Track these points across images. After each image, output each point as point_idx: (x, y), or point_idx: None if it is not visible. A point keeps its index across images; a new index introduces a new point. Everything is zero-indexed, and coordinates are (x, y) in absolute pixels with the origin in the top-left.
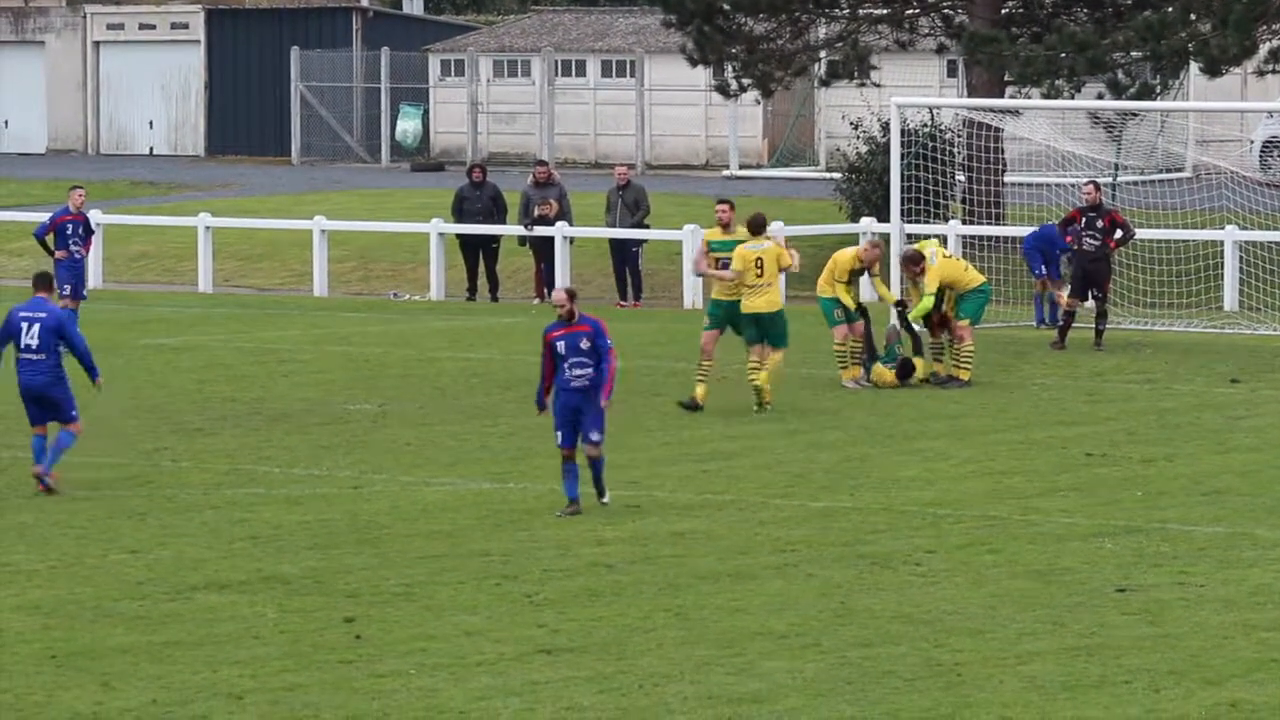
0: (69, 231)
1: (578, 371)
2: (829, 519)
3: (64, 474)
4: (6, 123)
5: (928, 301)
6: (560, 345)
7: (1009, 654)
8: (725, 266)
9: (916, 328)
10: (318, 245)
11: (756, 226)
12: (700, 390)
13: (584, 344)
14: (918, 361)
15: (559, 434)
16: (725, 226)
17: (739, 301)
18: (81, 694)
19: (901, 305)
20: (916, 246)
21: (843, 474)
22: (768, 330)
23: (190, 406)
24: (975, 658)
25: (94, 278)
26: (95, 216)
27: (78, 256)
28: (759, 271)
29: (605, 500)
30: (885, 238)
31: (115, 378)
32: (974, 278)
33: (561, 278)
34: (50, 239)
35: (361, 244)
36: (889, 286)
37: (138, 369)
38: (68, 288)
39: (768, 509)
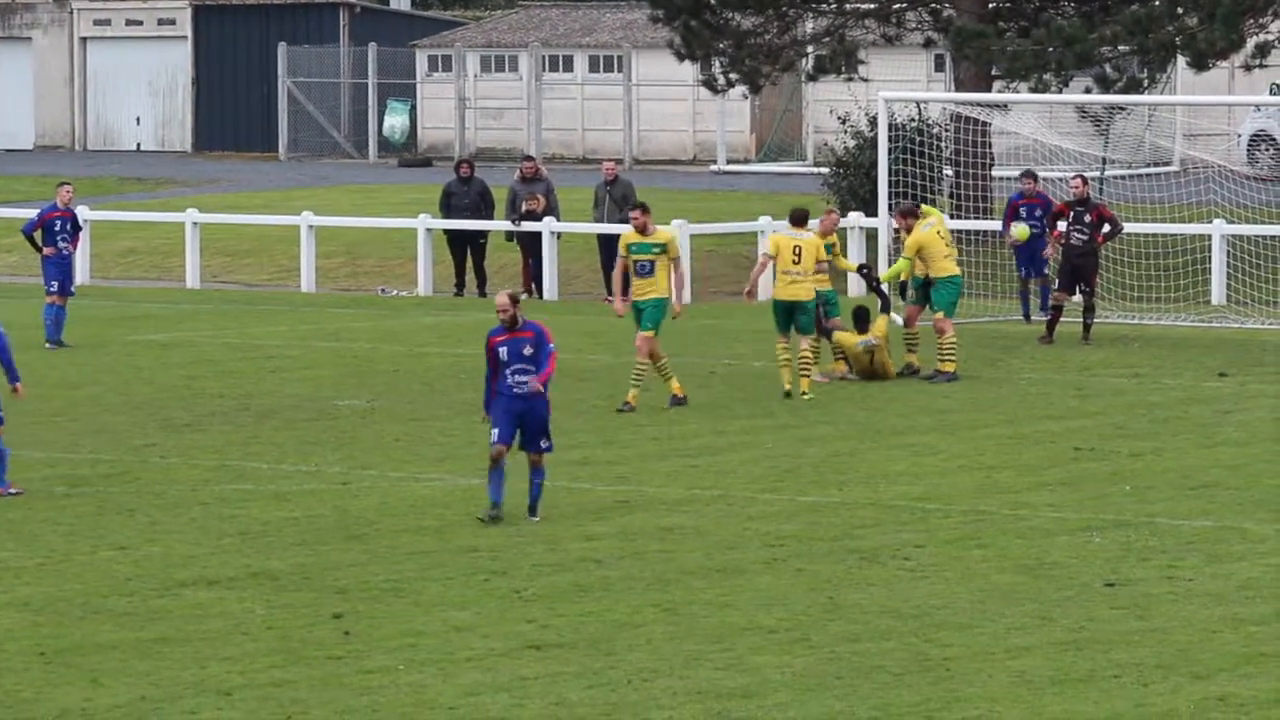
0: (57, 228)
1: (521, 378)
2: (817, 514)
3: (53, 471)
4: None
5: (902, 264)
6: (503, 351)
7: (998, 648)
8: (642, 269)
9: (885, 289)
10: (305, 241)
11: (799, 218)
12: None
13: (527, 350)
14: (880, 318)
15: (495, 430)
16: (641, 230)
17: (652, 300)
18: (70, 691)
19: (865, 269)
20: (922, 207)
21: (831, 469)
22: (799, 319)
23: (178, 402)
24: (964, 652)
25: (81, 274)
26: (82, 213)
27: (65, 253)
28: (796, 259)
29: (536, 519)
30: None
31: (103, 374)
32: (949, 266)
33: (549, 273)
34: (38, 235)
35: (349, 240)
36: (847, 257)
37: (125, 365)
38: (55, 284)
39: (756, 504)
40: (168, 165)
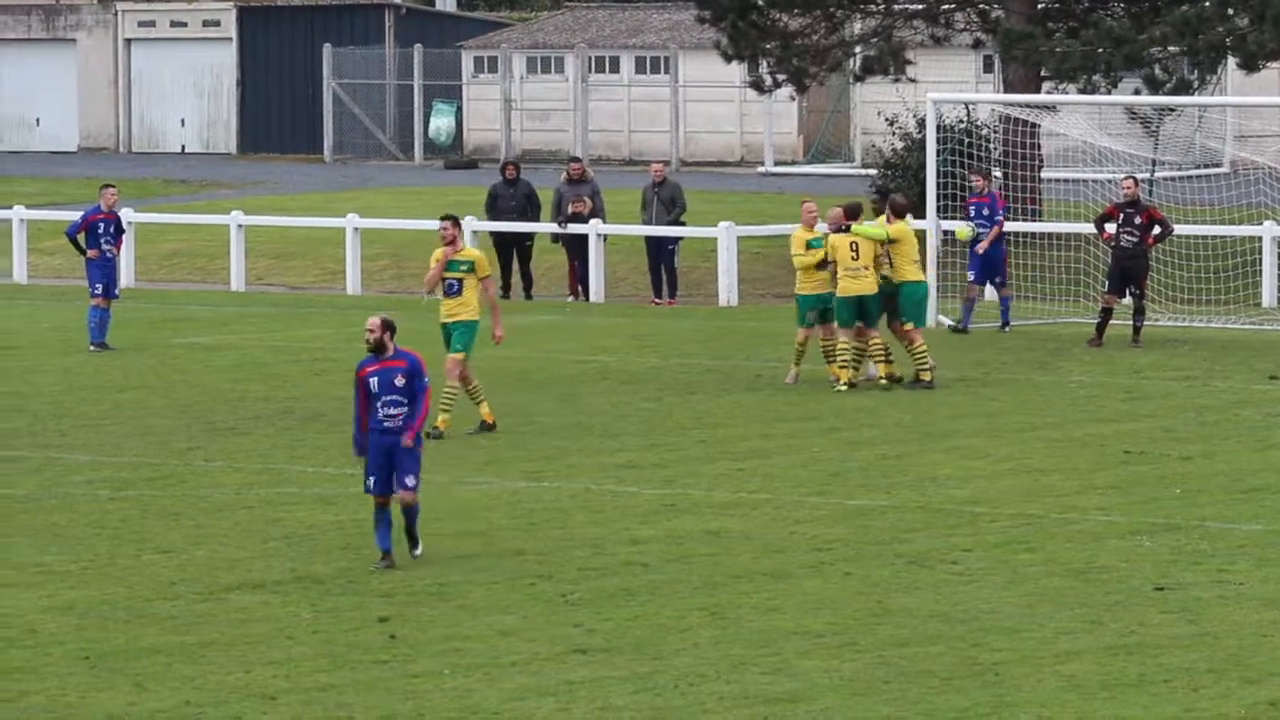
0: (100, 230)
1: (391, 411)
2: (865, 517)
3: (98, 474)
4: (38, 121)
5: (880, 230)
6: (373, 382)
7: (1047, 653)
8: (450, 288)
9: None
10: (351, 243)
11: (853, 213)
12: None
13: (398, 381)
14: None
15: (369, 480)
16: (451, 244)
17: (462, 322)
18: (115, 695)
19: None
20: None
21: (879, 472)
22: (868, 312)
23: (223, 406)
24: (1013, 657)
25: (126, 276)
26: (126, 215)
27: (109, 255)
28: (854, 254)
29: (417, 553)
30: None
31: (147, 377)
32: (914, 270)
33: (595, 275)
34: (82, 238)
35: (395, 242)
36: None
37: (170, 368)
38: (99, 287)
39: (804, 507)
40: (212, 167)
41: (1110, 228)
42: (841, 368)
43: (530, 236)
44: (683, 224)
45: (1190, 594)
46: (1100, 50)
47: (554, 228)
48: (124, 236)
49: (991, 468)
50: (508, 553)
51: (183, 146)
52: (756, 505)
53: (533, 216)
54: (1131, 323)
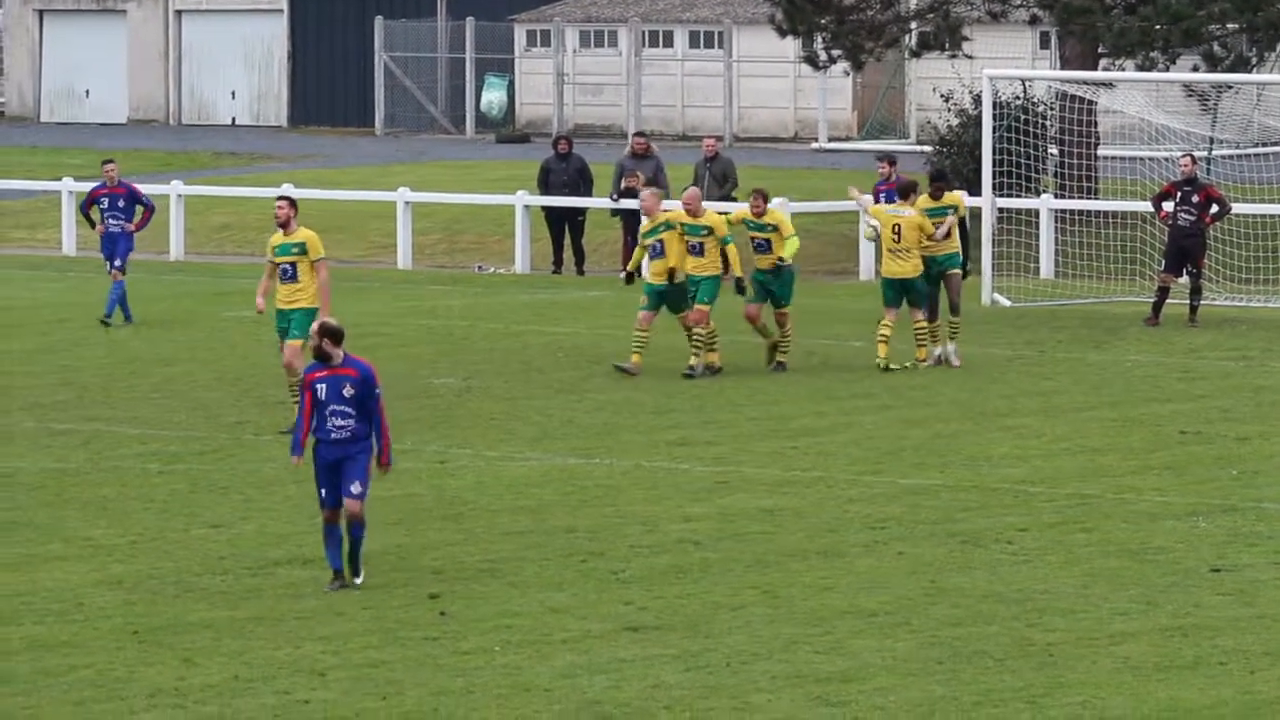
0: (105, 205)
1: (338, 422)
2: (919, 496)
3: (146, 448)
4: (88, 92)
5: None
6: (320, 389)
7: (1102, 634)
8: (285, 273)
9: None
10: (402, 217)
11: (907, 190)
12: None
13: (346, 391)
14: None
15: (320, 493)
16: (284, 225)
17: (301, 308)
18: (163, 669)
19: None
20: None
21: (933, 451)
22: (911, 293)
23: (272, 379)
24: (1068, 638)
25: (175, 249)
26: (176, 188)
27: (113, 230)
28: (896, 237)
29: (359, 580)
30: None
31: (197, 350)
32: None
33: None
34: (95, 213)
35: (446, 216)
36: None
37: (219, 341)
38: (116, 260)
39: (857, 486)
40: (263, 140)
41: (1168, 206)
42: (883, 342)
43: (582, 211)
44: (734, 200)
45: (1246, 576)
46: (1158, 26)
47: (606, 202)
48: (138, 209)
49: (1047, 447)
50: (559, 530)
51: (233, 119)
52: (809, 483)
53: (585, 191)
54: (1188, 302)
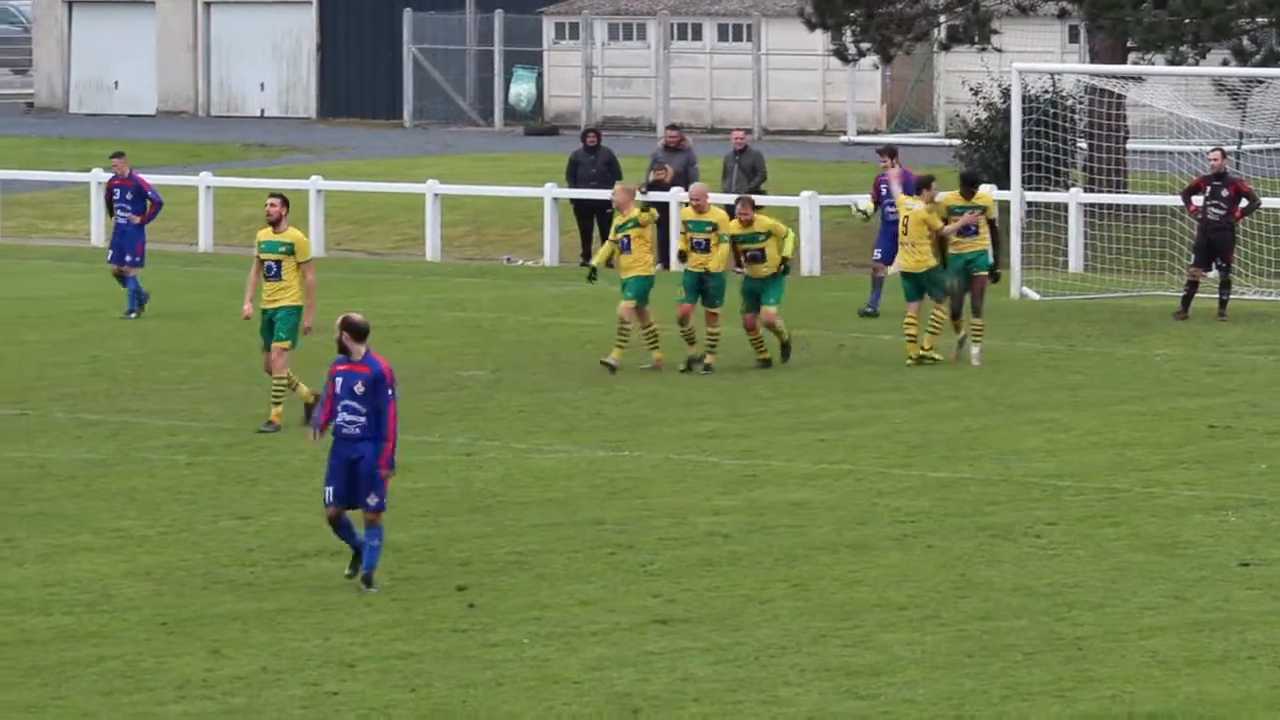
0: (116, 197)
1: (349, 416)
2: (948, 490)
3: (175, 439)
4: (117, 84)
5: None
6: (338, 382)
7: (1131, 628)
8: (269, 271)
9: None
10: (430, 209)
11: (923, 183)
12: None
13: (358, 388)
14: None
15: (327, 489)
16: (275, 223)
17: (284, 307)
18: (192, 660)
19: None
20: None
21: (962, 445)
22: (928, 289)
23: (300, 371)
24: (1096, 631)
25: (204, 240)
26: (204, 179)
27: (121, 222)
28: (904, 230)
29: (373, 589)
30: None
31: (225, 342)
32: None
33: (675, 242)
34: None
35: (475, 208)
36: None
37: (248, 333)
38: (126, 256)
39: (886, 479)
40: (291, 132)
41: (1197, 200)
42: (910, 342)
43: (610, 204)
44: (764, 193)
45: (1276, 570)
46: (1188, 20)
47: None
48: (153, 204)
49: (1075, 441)
50: (588, 522)
51: (262, 110)
52: (839, 477)
53: (613, 184)
54: (1217, 296)
